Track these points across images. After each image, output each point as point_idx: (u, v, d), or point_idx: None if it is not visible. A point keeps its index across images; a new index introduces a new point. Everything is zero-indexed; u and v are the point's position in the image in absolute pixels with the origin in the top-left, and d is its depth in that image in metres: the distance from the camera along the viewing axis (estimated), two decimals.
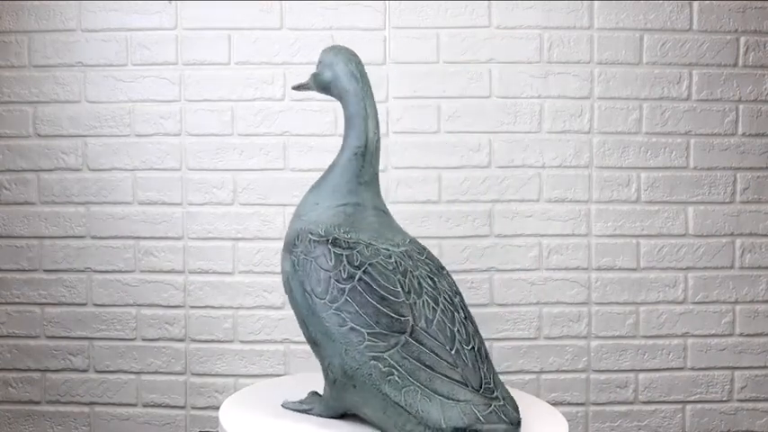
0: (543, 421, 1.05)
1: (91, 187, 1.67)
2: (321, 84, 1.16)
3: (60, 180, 1.67)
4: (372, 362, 0.94)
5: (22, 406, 1.69)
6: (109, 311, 1.67)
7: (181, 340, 1.67)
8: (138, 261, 1.67)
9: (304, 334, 1.04)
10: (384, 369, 0.93)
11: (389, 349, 0.94)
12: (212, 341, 1.67)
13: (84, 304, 1.68)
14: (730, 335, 1.69)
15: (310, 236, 1.04)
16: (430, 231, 1.65)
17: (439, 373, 0.92)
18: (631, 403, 1.68)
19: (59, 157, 1.67)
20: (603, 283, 1.67)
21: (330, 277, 0.99)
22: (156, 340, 1.67)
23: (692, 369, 1.69)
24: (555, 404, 1.64)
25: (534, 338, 1.68)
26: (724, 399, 1.69)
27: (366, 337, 0.94)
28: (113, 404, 1.68)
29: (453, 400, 0.90)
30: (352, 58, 1.15)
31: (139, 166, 1.67)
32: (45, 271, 1.68)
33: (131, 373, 1.68)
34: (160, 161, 1.67)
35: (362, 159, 1.10)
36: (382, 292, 0.97)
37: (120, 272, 1.67)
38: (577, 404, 1.68)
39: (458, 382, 0.92)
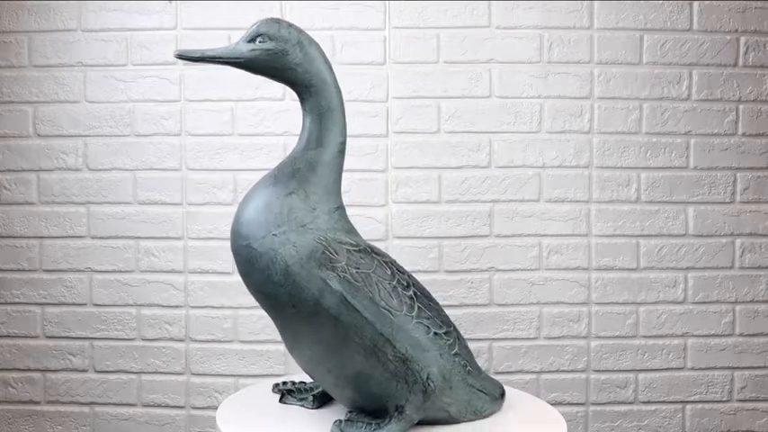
0: (543, 421, 1.05)
1: (91, 187, 1.67)
2: (279, 63, 0.97)
3: (60, 180, 1.67)
4: (456, 359, 0.98)
5: (22, 406, 1.69)
6: (109, 311, 1.68)
7: (181, 340, 1.67)
8: (138, 261, 1.67)
9: (384, 357, 0.92)
10: (462, 362, 0.99)
11: (457, 343, 1.00)
12: (212, 341, 1.67)
13: (84, 304, 1.68)
14: (730, 335, 1.69)
15: (346, 246, 0.94)
16: (430, 231, 1.65)
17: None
18: (631, 403, 1.68)
19: (59, 157, 1.67)
20: (603, 283, 1.67)
21: (395, 287, 0.94)
22: (157, 340, 1.68)
23: (692, 369, 1.69)
24: (555, 404, 1.64)
25: (534, 338, 1.68)
26: (724, 399, 1.69)
27: (444, 337, 0.97)
28: (113, 404, 1.68)
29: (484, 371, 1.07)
30: (313, 39, 1.01)
31: (139, 166, 1.67)
32: (45, 271, 1.68)
33: (131, 373, 1.68)
34: (160, 161, 1.67)
35: (343, 156, 1.00)
36: (426, 292, 1.01)
37: (120, 272, 1.67)
38: (577, 404, 1.68)
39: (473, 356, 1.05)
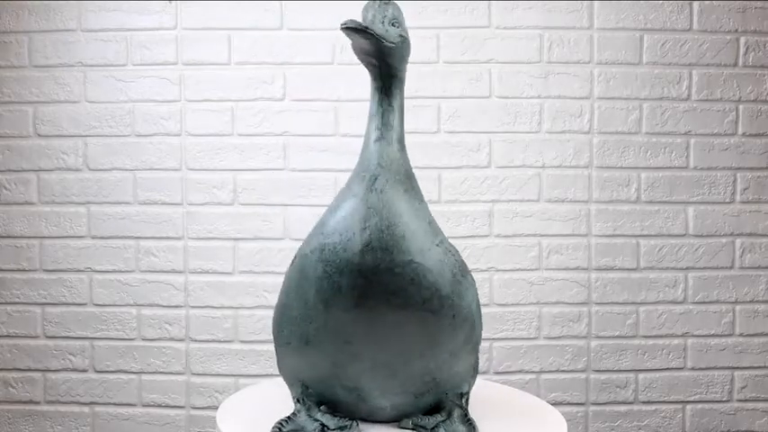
0: (543, 421, 1.05)
1: (91, 187, 1.67)
2: (407, 52, 0.92)
3: (60, 180, 1.67)
4: None
5: (22, 406, 1.69)
6: (109, 311, 1.68)
7: (181, 340, 1.67)
8: (138, 261, 1.67)
9: (469, 341, 0.93)
10: None
11: None
12: (212, 341, 1.67)
13: (84, 304, 1.68)
14: (730, 335, 1.69)
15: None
16: None
17: None
18: (631, 403, 1.68)
19: (60, 157, 1.67)
20: (603, 283, 1.68)
21: None
22: (157, 340, 1.68)
23: (692, 369, 1.69)
24: (555, 404, 1.64)
25: (534, 338, 1.68)
26: (724, 399, 1.69)
27: None
28: (114, 404, 1.68)
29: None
30: None
31: (140, 166, 1.67)
32: (45, 271, 1.68)
33: (132, 372, 1.68)
34: (160, 161, 1.67)
35: None
36: None
37: (120, 272, 1.67)
38: (577, 404, 1.68)
39: None
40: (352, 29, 0.84)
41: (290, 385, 1.00)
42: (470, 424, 0.93)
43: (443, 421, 0.93)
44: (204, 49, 1.66)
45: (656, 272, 1.68)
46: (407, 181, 0.91)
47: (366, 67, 0.94)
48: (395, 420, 0.96)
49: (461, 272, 0.91)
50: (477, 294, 0.95)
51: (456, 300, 0.89)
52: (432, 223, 0.91)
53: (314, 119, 1.66)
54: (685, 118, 1.67)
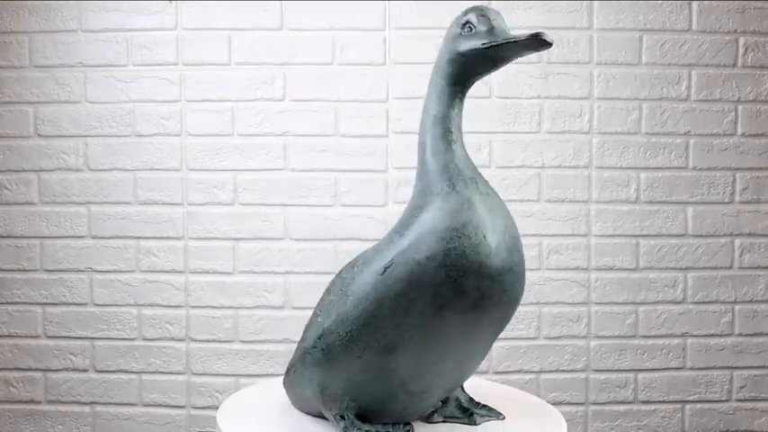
0: (543, 421, 1.05)
1: (92, 187, 1.67)
2: None
3: (61, 180, 1.67)
4: None
5: (23, 405, 1.69)
6: (110, 311, 1.68)
7: (181, 340, 1.68)
8: (138, 261, 1.67)
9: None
10: None
11: None
12: (213, 341, 1.67)
13: (84, 304, 1.68)
14: (729, 335, 1.69)
15: None
16: None
17: None
18: (631, 403, 1.69)
19: (60, 158, 1.67)
20: (603, 282, 1.68)
21: None
22: (157, 340, 1.68)
23: (692, 369, 1.69)
24: (554, 404, 1.65)
25: (534, 338, 1.68)
26: (723, 398, 1.69)
27: None
28: (114, 404, 1.68)
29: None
30: None
31: (140, 167, 1.67)
32: (46, 271, 1.68)
33: (132, 372, 1.68)
34: (161, 161, 1.67)
35: None
36: None
37: (120, 272, 1.68)
38: (577, 404, 1.68)
39: None
40: (549, 43, 0.84)
41: (329, 401, 0.95)
42: (473, 401, 1.03)
43: (465, 408, 1.00)
44: (204, 49, 1.66)
45: (656, 272, 1.68)
46: (484, 180, 0.94)
47: (474, 74, 0.92)
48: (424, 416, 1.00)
49: None
50: None
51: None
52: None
53: (314, 119, 1.66)
54: (685, 118, 1.68)
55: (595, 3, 1.66)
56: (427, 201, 0.89)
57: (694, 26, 1.67)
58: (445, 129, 0.91)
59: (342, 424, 0.92)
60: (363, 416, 0.94)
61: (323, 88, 1.65)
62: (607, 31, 1.66)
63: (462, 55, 0.89)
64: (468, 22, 0.89)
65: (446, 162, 0.90)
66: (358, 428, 0.91)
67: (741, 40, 1.67)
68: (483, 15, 0.89)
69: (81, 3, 1.66)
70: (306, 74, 1.65)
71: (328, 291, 0.98)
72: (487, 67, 0.91)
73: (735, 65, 1.67)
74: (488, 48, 0.87)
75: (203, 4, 1.66)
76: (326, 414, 0.96)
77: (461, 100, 0.93)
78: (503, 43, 0.86)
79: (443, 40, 0.93)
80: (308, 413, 1.04)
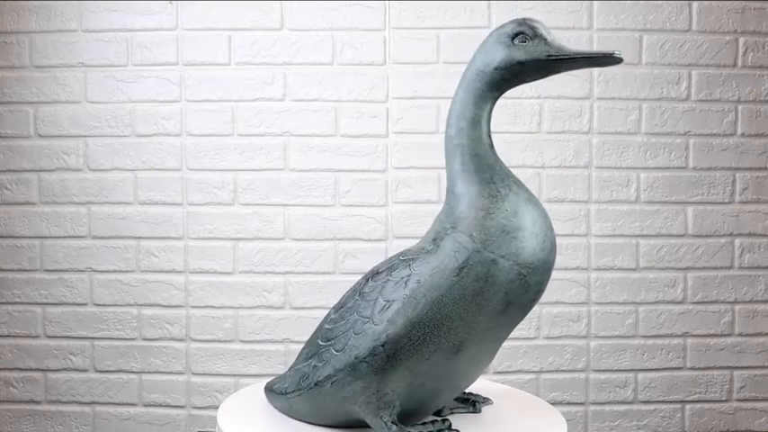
0: (542, 421, 1.05)
1: (92, 187, 1.68)
2: None
3: (61, 180, 1.68)
4: None
5: (23, 405, 1.69)
6: (110, 311, 1.68)
7: (181, 340, 1.68)
8: (138, 261, 1.68)
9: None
10: None
11: None
12: (213, 341, 1.68)
13: (84, 304, 1.68)
14: (729, 335, 1.69)
15: None
16: None
17: None
18: (631, 403, 1.69)
19: (60, 158, 1.68)
20: (603, 282, 1.68)
21: None
22: (157, 340, 1.68)
23: (692, 369, 1.69)
24: (554, 404, 1.65)
25: (534, 338, 1.68)
26: (723, 398, 1.69)
27: None
28: (114, 404, 1.68)
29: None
30: None
31: (140, 167, 1.67)
32: (46, 271, 1.68)
33: (132, 372, 1.68)
34: (161, 161, 1.67)
35: None
36: None
37: (120, 272, 1.68)
38: (577, 404, 1.68)
39: None
40: (620, 59, 0.87)
41: (385, 407, 0.92)
42: (465, 392, 1.09)
43: (464, 399, 1.06)
44: (204, 49, 1.66)
45: (656, 272, 1.68)
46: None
47: (521, 82, 0.95)
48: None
49: None
50: None
51: None
52: None
53: (314, 119, 1.66)
54: (684, 118, 1.68)
55: (595, 3, 1.66)
56: (487, 204, 0.92)
57: (694, 26, 1.67)
58: (486, 132, 0.96)
59: (394, 429, 0.91)
60: (400, 418, 0.94)
61: (323, 88, 1.65)
62: (607, 31, 1.66)
63: (522, 64, 0.92)
64: (521, 32, 0.92)
65: (491, 164, 0.96)
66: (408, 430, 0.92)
67: (741, 40, 1.67)
68: (534, 27, 0.92)
69: (81, 3, 1.66)
70: (306, 74, 1.66)
71: (363, 295, 0.95)
72: (539, 77, 0.94)
73: (735, 65, 1.68)
74: (555, 60, 0.90)
75: (203, 4, 1.66)
76: (373, 421, 0.92)
77: (494, 106, 0.97)
78: (573, 57, 0.89)
79: (483, 49, 0.95)
80: (318, 423, 1.00)
